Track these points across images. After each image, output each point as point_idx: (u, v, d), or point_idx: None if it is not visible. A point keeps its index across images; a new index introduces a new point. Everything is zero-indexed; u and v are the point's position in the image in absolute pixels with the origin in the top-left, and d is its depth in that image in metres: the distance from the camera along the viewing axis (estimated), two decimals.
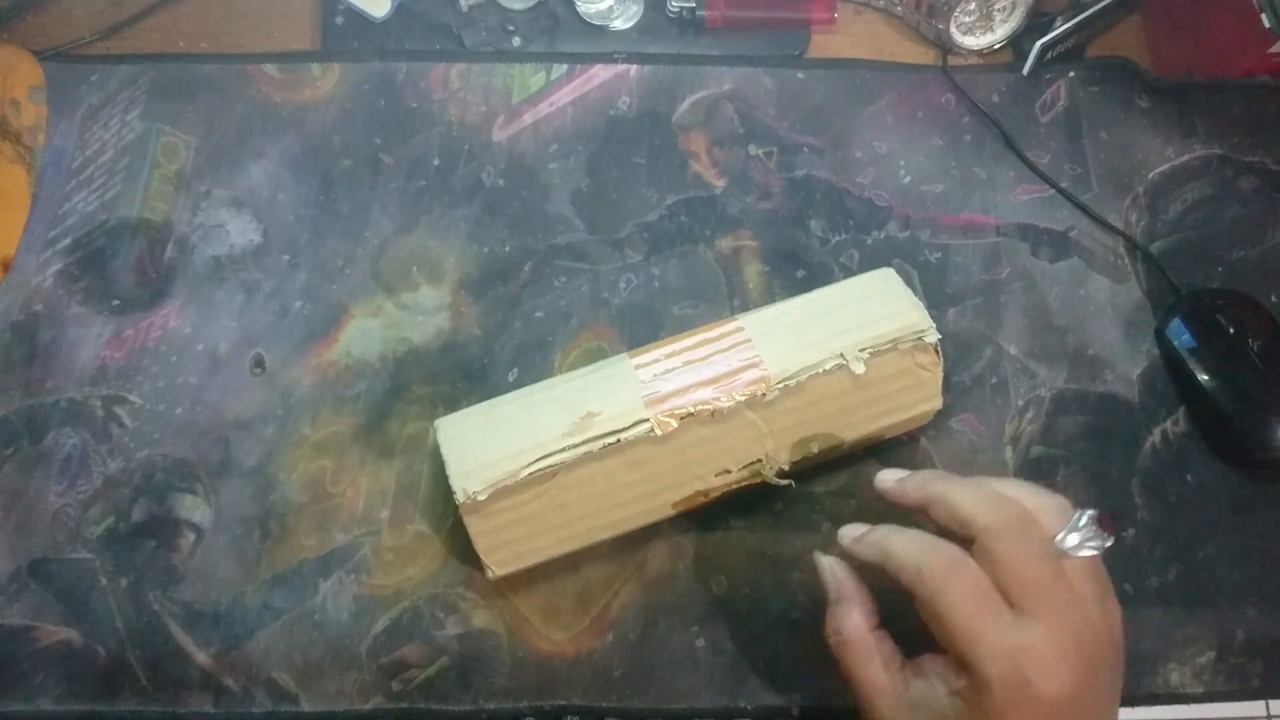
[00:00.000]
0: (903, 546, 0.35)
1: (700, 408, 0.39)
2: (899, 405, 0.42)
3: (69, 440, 0.44)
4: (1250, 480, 0.45)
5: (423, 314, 0.47)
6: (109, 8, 0.53)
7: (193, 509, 0.43)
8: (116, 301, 0.47)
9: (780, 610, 0.42)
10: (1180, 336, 0.46)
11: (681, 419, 0.39)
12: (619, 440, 0.38)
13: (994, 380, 0.46)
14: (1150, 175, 0.50)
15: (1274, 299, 0.48)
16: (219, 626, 0.41)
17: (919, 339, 0.40)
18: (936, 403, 0.42)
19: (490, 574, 0.39)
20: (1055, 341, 0.47)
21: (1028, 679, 0.31)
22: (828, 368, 0.39)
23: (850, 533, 0.37)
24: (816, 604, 0.41)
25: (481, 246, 0.48)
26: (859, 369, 0.39)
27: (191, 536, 0.43)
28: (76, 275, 0.47)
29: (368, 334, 0.46)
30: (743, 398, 0.39)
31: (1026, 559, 0.33)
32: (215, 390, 0.45)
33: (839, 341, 0.40)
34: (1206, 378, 0.45)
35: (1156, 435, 0.46)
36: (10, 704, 0.41)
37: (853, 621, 0.36)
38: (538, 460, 0.38)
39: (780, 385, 0.39)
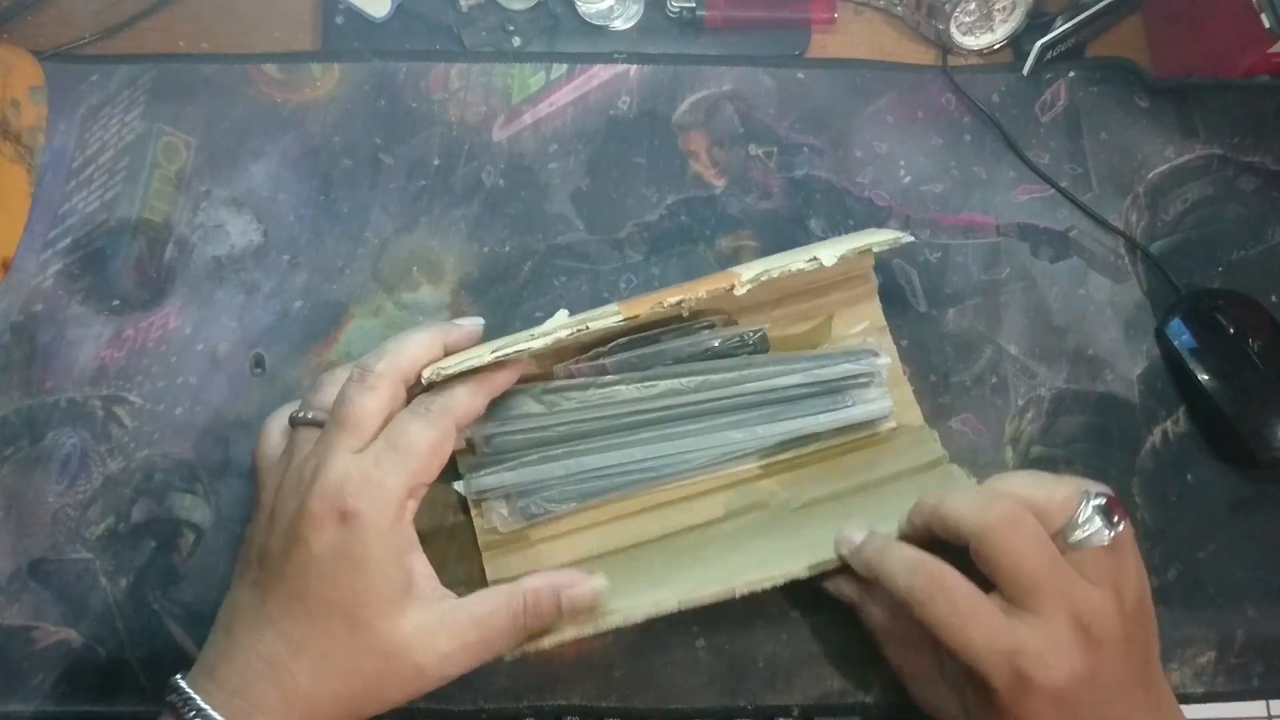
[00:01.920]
0: (889, 565, 0.36)
1: (670, 300, 0.39)
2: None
3: (69, 440, 0.44)
4: (1250, 480, 0.45)
5: (423, 314, 0.47)
6: (109, 8, 0.53)
7: (193, 509, 0.43)
8: (116, 301, 0.47)
9: (780, 610, 0.42)
10: (1180, 336, 0.46)
11: (651, 307, 0.39)
12: (587, 328, 0.38)
13: (994, 380, 0.46)
14: (1150, 175, 0.50)
15: (1274, 299, 0.48)
16: None
17: (895, 241, 0.42)
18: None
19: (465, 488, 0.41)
20: (1055, 341, 0.47)
21: (1028, 676, 0.32)
22: (799, 265, 0.40)
23: (848, 542, 0.38)
24: (817, 604, 0.42)
25: (481, 246, 0.48)
26: (829, 261, 0.40)
27: (191, 536, 0.43)
28: (76, 275, 0.47)
29: (368, 334, 0.46)
30: (713, 290, 0.39)
31: (1018, 554, 0.33)
32: (215, 390, 0.45)
33: (817, 251, 0.41)
34: (1206, 378, 0.45)
35: (1156, 435, 0.46)
36: (10, 704, 0.41)
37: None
38: (503, 349, 0.37)
39: (750, 282, 0.39)
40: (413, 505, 0.36)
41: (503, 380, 0.39)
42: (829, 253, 0.40)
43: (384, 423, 0.36)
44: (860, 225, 0.49)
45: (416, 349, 0.37)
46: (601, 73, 0.52)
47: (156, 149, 0.49)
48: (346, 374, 0.38)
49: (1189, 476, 0.45)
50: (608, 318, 0.38)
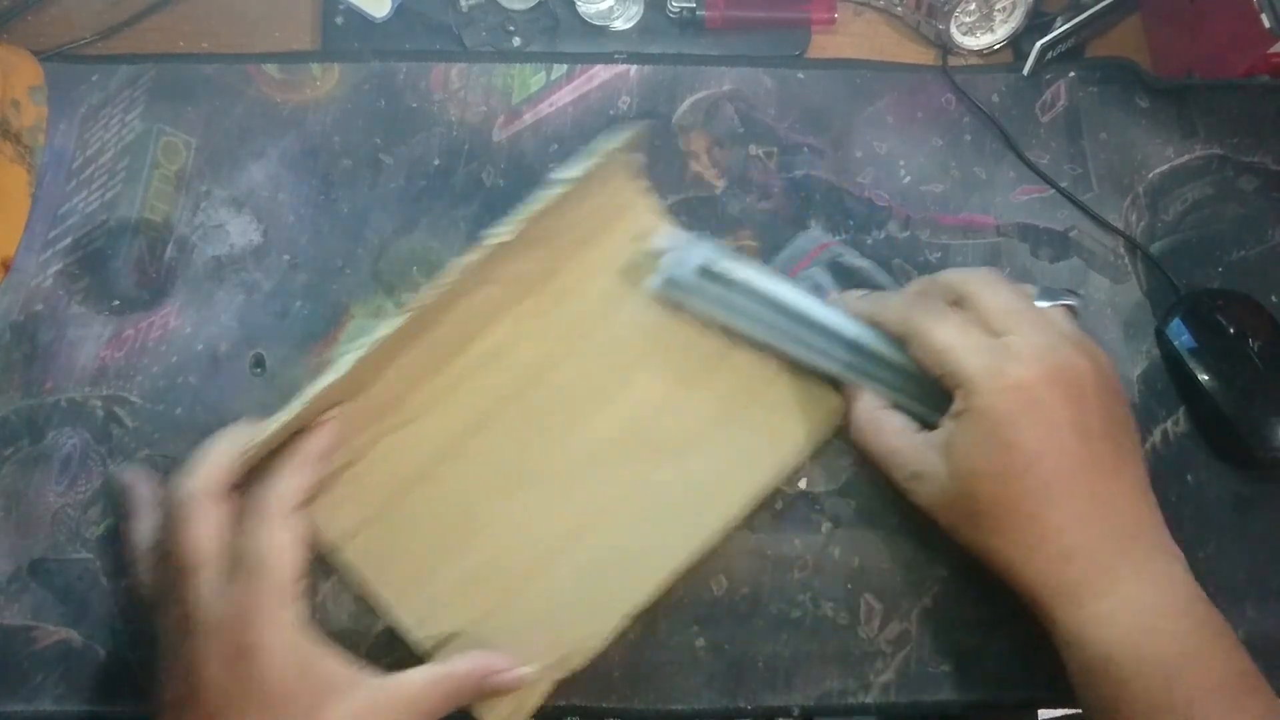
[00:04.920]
0: (893, 302, 0.42)
1: (443, 282, 0.40)
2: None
3: (69, 440, 0.44)
4: (1250, 480, 0.45)
5: None
6: (109, 8, 0.53)
7: None
8: (116, 301, 0.47)
9: (780, 610, 0.42)
10: (1180, 336, 0.46)
11: (435, 295, 0.40)
12: (378, 339, 0.38)
13: None
14: (1150, 175, 0.50)
15: (1274, 299, 0.48)
16: None
17: (631, 136, 0.43)
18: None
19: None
20: None
21: (1003, 369, 0.37)
22: (536, 205, 0.41)
23: (846, 299, 0.44)
24: (817, 604, 0.42)
25: None
26: (575, 173, 0.41)
27: None
28: (76, 275, 0.47)
29: (368, 334, 0.46)
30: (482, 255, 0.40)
31: (998, 296, 0.39)
32: (215, 390, 0.45)
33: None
34: (1206, 378, 0.45)
35: (1156, 435, 0.46)
36: (10, 704, 0.41)
37: (860, 405, 0.42)
38: (295, 404, 0.37)
39: (507, 233, 0.40)
40: (299, 607, 0.36)
41: (321, 444, 0.39)
42: (567, 173, 0.41)
43: (224, 532, 0.36)
44: (859, 225, 0.49)
45: (221, 454, 0.38)
46: (602, 73, 0.52)
47: (156, 149, 0.49)
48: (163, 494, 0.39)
49: (1189, 476, 0.45)
50: (391, 325, 0.39)
